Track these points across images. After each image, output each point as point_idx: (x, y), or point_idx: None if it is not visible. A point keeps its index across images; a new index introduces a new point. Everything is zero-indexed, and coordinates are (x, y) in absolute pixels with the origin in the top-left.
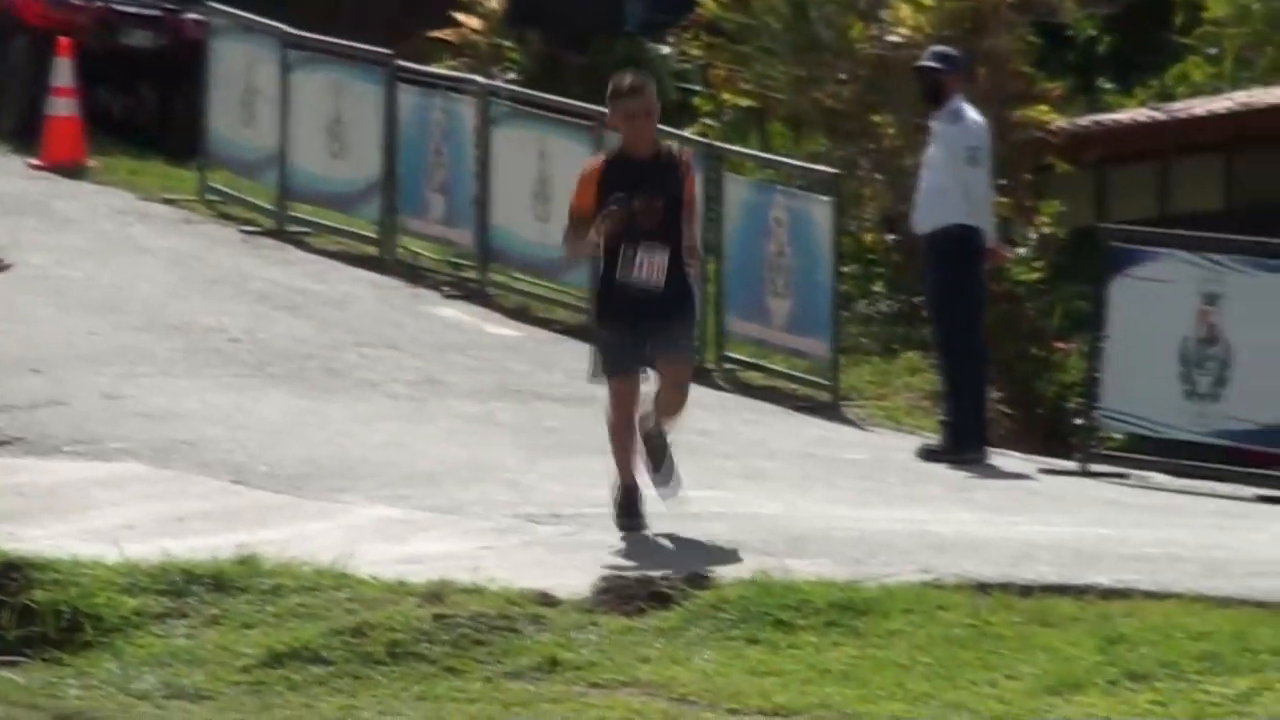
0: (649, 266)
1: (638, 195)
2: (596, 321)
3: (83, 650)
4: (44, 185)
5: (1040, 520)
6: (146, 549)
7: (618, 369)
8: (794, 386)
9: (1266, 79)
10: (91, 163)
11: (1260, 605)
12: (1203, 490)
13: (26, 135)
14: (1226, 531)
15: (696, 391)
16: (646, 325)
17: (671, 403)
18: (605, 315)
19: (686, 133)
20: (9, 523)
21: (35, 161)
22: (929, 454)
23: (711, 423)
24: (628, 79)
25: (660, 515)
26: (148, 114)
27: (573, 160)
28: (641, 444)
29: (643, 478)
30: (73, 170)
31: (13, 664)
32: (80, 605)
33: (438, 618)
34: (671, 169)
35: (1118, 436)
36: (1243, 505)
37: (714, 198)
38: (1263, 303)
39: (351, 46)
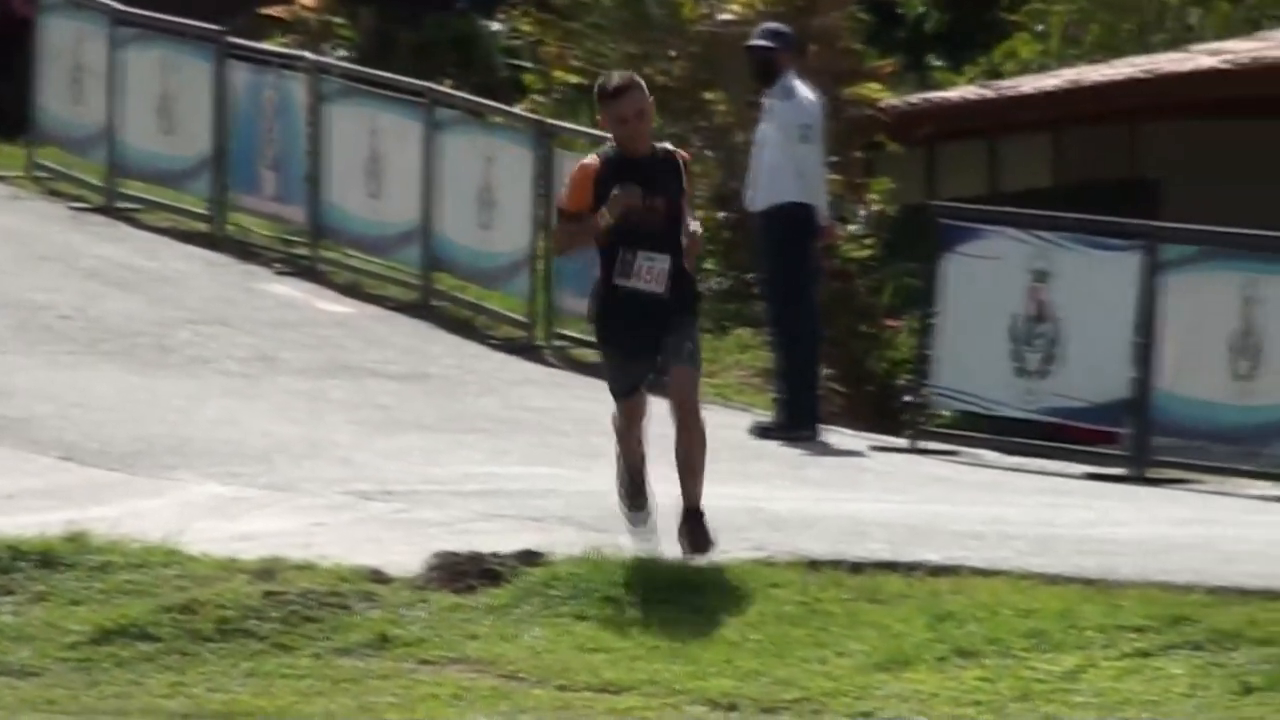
0: (649, 272)
1: (639, 194)
2: (597, 335)
3: None
4: None
5: (872, 497)
6: None
7: (625, 387)
8: None
9: (1093, 56)
10: None
11: (1087, 583)
12: (1032, 468)
13: None
14: (1055, 509)
15: (528, 368)
16: (650, 333)
17: (683, 396)
18: (605, 328)
19: (517, 109)
20: None
21: None
22: (762, 431)
23: (544, 400)
24: (614, 79)
25: (492, 492)
26: None
27: (405, 136)
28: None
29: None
30: None
31: None
32: None
33: (268, 595)
34: (671, 168)
35: (948, 414)
36: (1072, 483)
37: (544, 175)
38: (1091, 280)
39: (182, 23)
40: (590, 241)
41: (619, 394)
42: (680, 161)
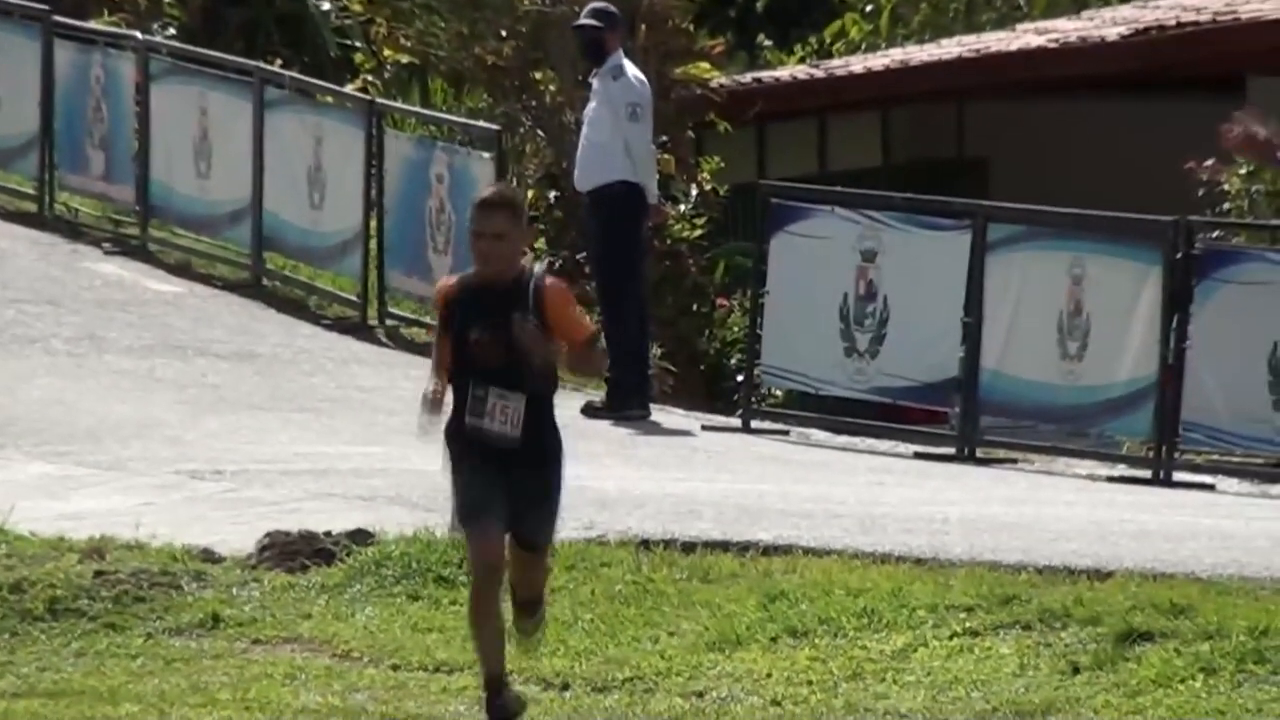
0: (500, 411)
1: (479, 328)
2: (450, 460)
3: None
4: None
5: (703, 477)
6: None
7: (475, 513)
8: None
9: (921, 35)
10: None
11: (917, 562)
12: (862, 447)
13: None
14: (885, 488)
15: (359, 347)
16: (502, 485)
17: (525, 584)
18: (457, 455)
19: (348, 89)
20: None
21: None
22: (591, 411)
23: (375, 379)
24: (486, 191)
25: (322, 471)
26: None
27: (234, 115)
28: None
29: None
30: None
31: None
32: None
33: (98, 574)
34: (525, 295)
35: (779, 393)
36: (901, 462)
37: (374, 155)
38: (920, 260)
39: (7, 2)
40: (437, 416)
41: (466, 519)
42: (538, 287)
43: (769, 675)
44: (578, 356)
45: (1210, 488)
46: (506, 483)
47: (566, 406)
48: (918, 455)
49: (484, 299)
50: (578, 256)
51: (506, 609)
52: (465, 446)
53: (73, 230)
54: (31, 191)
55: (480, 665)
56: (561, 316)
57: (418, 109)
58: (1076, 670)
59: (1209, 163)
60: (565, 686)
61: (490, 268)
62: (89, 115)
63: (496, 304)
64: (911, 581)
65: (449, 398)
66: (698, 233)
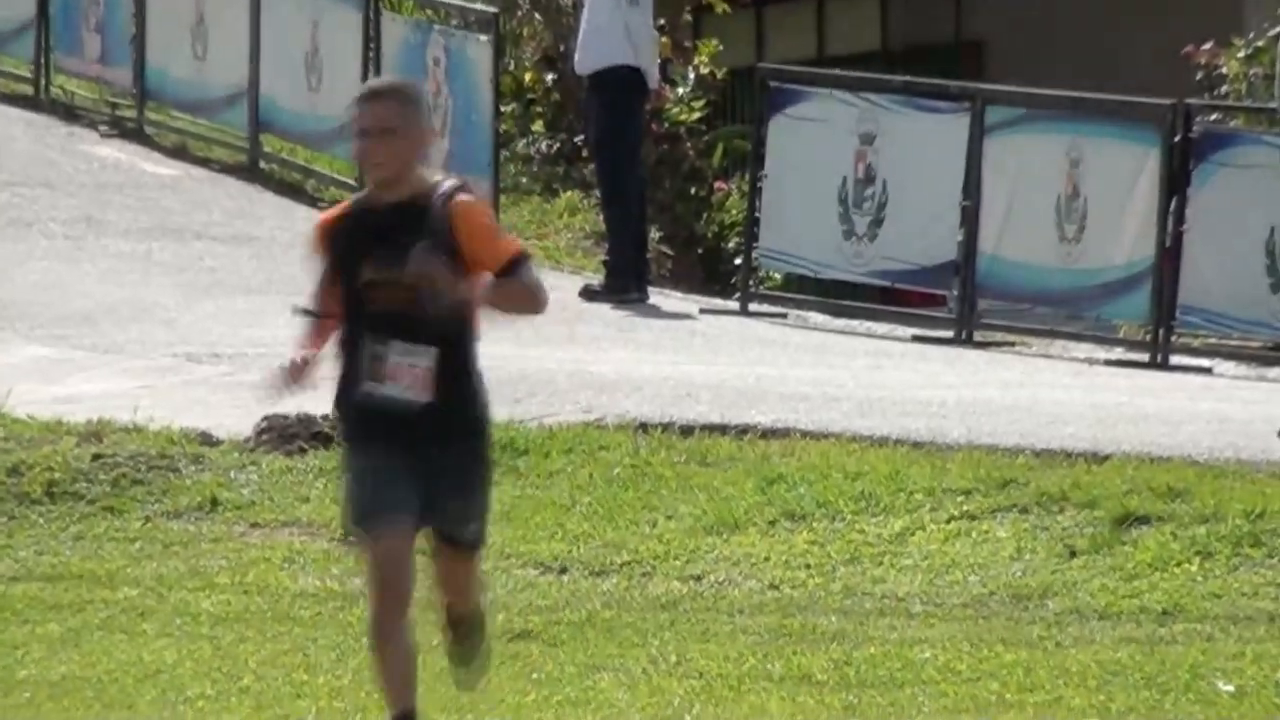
0: (404, 372)
1: (373, 259)
2: (342, 443)
3: None
4: None
5: (701, 360)
6: None
7: (374, 510)
8: None
9: None
10: None
11: (915, 446)
12: (860, 331)
13: None
14: (883, 371)
15: None
16: (413, 458)
17: (451, 586)
18: (350, 435)
19: None
20: None
21: None
22: (590, 294)
23: None
24: (372, 81)
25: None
26: None
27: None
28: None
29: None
30: None
31: None
32: None
33: (96, 457)
34: (430, 215)
35: (777, 276)
36: (899, 345)
37: (372, 37)
38: (917, 143)
39: None
40: (302, 381)
41: (360, 521)
42: (445, 203)
43: (767, 559)
44: (504, 287)
45: (1207, 371)
46: (416, 466)
47: (565, 289)
48: (916, 339)
49: (377, 225)
50: (576, 139)
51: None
52: (360, 422)
53: (69, 113)
54: (27, 74)
55: (386, 702)
56: (479, 240)
57: None
58: (1073, 554)
59: (1207, 46)
60: (563, 570)
61: (379, 173)
62: None
63: (394, 231)
64: (909, 465)
65: (333, 361)
66: (696, 116)
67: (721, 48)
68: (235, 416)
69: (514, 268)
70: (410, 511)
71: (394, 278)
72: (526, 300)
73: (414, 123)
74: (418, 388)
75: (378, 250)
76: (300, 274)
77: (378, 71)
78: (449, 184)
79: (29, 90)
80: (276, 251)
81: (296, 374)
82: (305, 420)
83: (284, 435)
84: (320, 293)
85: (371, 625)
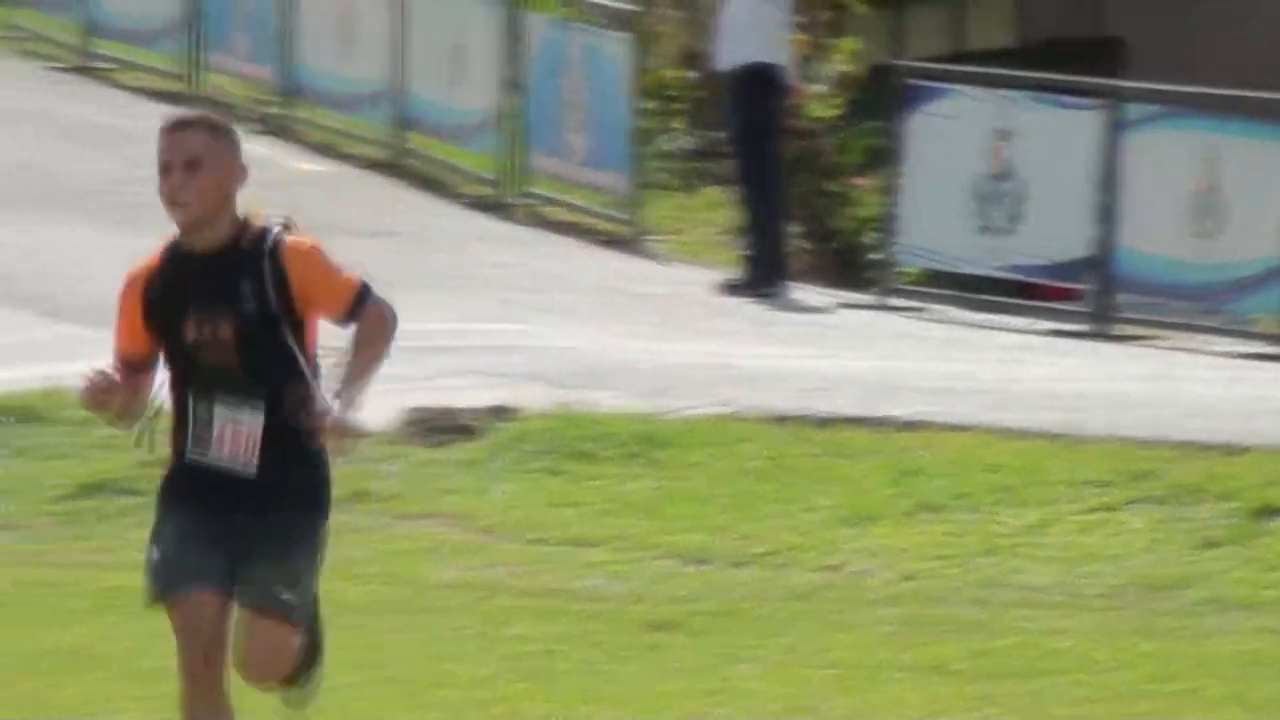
0: (231, 437)
1: (195, 316)
2: (157, 506)
3: None
4: None
5: (838, 353)
6: None
7: (176, 580)
8: (594, 221)
9: None
10: None
11: (1052, 438)
12: (996, 324)
13: None
14: (1019, 365)
15: (496, 225)
16: (231, 526)
17: (256, 664)
18: (168, 499)
19: None
20: None
21: None
22: (729, 288)
23: (512, 256)
24: (178, 110)
25: (461, 348)
26: None
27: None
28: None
29: None
30: None
31: None
32: None
33: None
34: (252, 262)
35: (914, 271)
36: (1036, 339)
37: (516, 36)
38: (1054, 139)
39: None
40: (127, 427)
41: (164, 590)
42: (275, 249)
43: (903, 550)
44: (360, 365)
45: None
46: (225, 530)
47: (702, 283)
48: (1052, 332)
49: (195, 276)
50: (715, 135)
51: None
52: (182, 492)
53: (217, 109)
54: (178, 71)
55: None
56: (318, 283)
57: None
58: (1209, 545)
59: None
60: (703, 561)
61: (185, 213)
62: None
63: (213, 281)
64: (1046, 457)
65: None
66: (833, 113)
67: (859, 46)
68: (380, 409)
69: (361, 302)
70: (214, 575)
71: (219, 333)
72: (383, 341)
73: (225, 156)
74: (244, 454)
75: (198, 304)
76: (442, 268)
77: (519, 69)
78: (274, 223)
79: (180, 87)
80: (419, 245)
81: (93, 392)
82: (447, 413)
83: (429, 428)
84: (119, 348)
85: (182, 689)
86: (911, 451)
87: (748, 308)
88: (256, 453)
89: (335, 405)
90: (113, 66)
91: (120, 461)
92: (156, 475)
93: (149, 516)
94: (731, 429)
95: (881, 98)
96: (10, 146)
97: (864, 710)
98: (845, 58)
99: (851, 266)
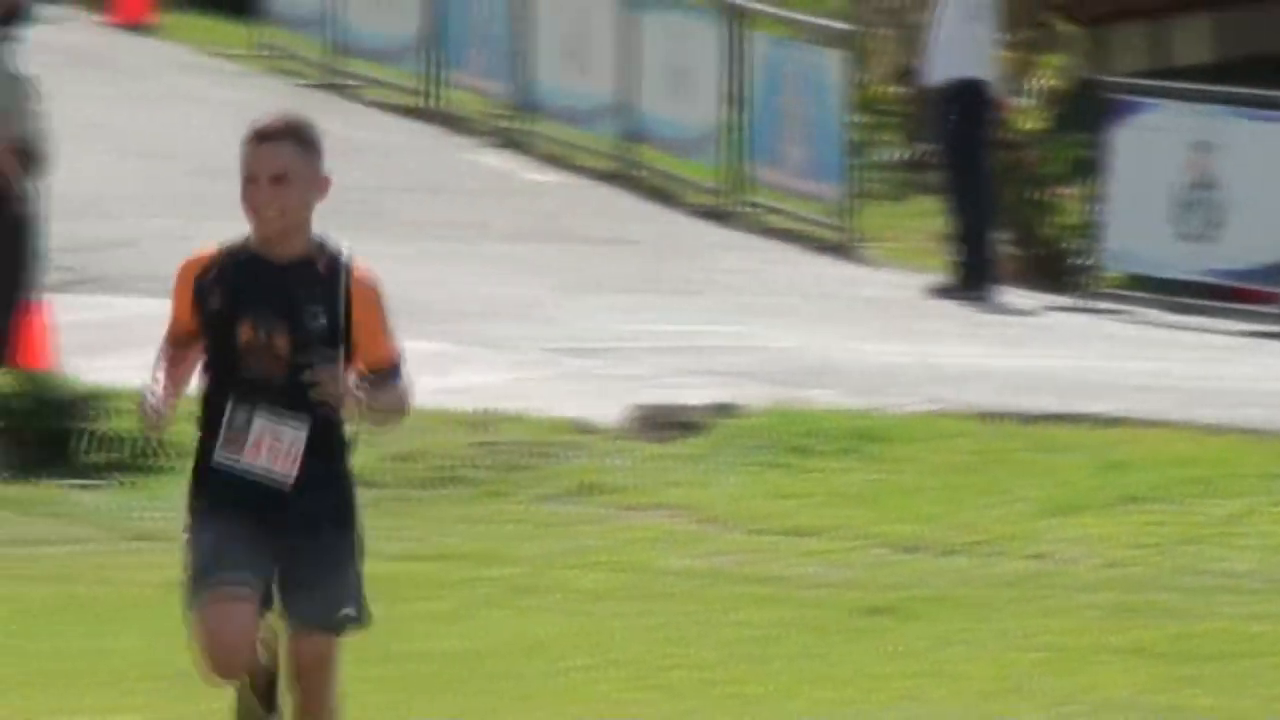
0: (270, 447)
1: (252, 321)
2: (189, 511)
3: (156, 474)
4: (111, 40)
5: (1042, 353)
6: None
7: (215, 578)
8: (811, 228)
9: None
10: (156, 19)
11: (1248, 433)
12: (1196, 325)
13: None
14: (1219, 364)
15: (718, 233)
16: (271, 538)
17: (312, 676)
18: (200, 508)
19: None
20: (86, 356)
21: (104, 18)
22: (939, 291)
23: (735, 262)
24: (266, 118)
25: (686, 348)
26: None
27: (603, 15)
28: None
29: None
30: (139, 26)
31: (94, 488)
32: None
33: (480, 444)
34: (324, 283)
35: (1116, 275)
36: (1235, 340)
37: (736, 55)
38: (1252, 150)
39: None
40: (159, 423)
41: (199, 591)
42: (347, 276)
43: (1107, 539)
44: (383, 398)
45: None
46: (264, 541)
47: (912, 287)
48: (1252, 334)
49: (260, 280)
50: (925, 147)
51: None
52: (214, 496)
53: (455, 124)
54: (417, 87)
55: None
56: (371, 334)
57: (776, 10)
58: None
59: None
60: (914, 549)
61: (270, 227)
62: (472, 15)
63: (281, 293)
64: (1243, 451)
65: (188, 417)
66: (1039, 125)
67: (1064, 62)
68: (608, 406)
69: (392, 375)
70: (256, 588)
71: (277, 341)
72: (397, 413)
73: (311, 169)
74: (282, 466)
75: (259, 312)
76: (668, 274)
77: (740, 84)
78: (343, 249)
79: (419, 102)
80: (646, 252)
81: (158, 416)
82: (673, 410)
83: (655, 423)
84: (170, 333)
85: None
86: (1114, 446)
87: (957, 310)
88: (296, 465)
89: (354, 385)
90: (358, 83)
91: (362, 456)
92: (401, 470)
93: (393, 507)
94: (941, 425)
95: (1085, 111)
96: None
97: (1072, 691)
98: (1051, 73)
99: (1056, 271)
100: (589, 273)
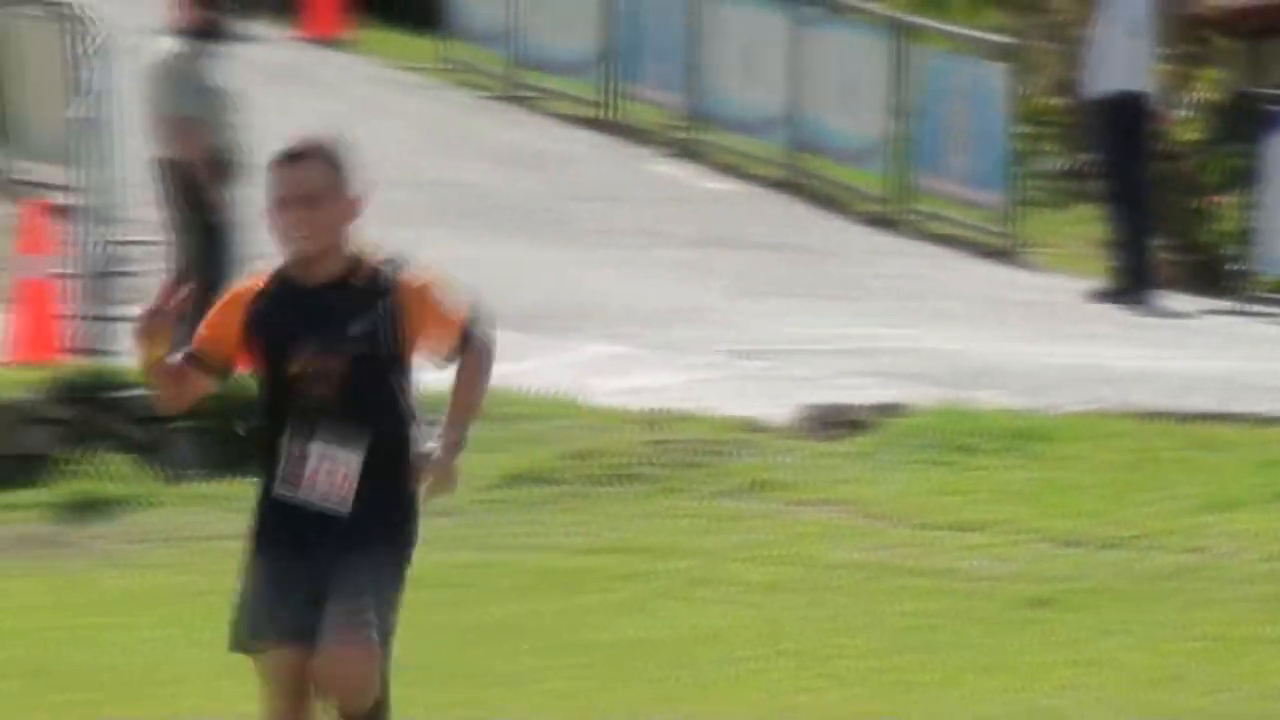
0: (327, 472)
1: (301, 353)
2: (248, 547)
3: None
4: (305, 54)
5: (1200, 355)
6: None
7: (260, 632)
8: (974, 235)
9: None
10: (345, 34)
11: None
12: None
13: (282, 7)
14: None
15: (885, 239)
16: (317, 565)
17: (344, 693)
18: (256, 541)
19: (871, 6)
20: None
21: (295, 33)
22: (1099, 296)
23: (901, 267)
24: (290, 141)
25: (853, 350)
26: None
27: (773, 31)
28: None
29: None
30: (331, 41)
31: None
32: None
33: (655, 443)
34: (366, 299)
35: (1272, 279)
36: None
37: (903, 68)
38: None
39: None
40: (177, 398)
41: (249, 639)
42: (395, 289)
43: (1264, 534)
44: (460, 430)
45: None
46: (311, 570)
47: (1073, 291)
48: None
49: (307, 308)
50: (1085, 156)
51: None
52: (269, 534)
53: (632, 134)
54: (595, 99)
55: None
56: (431, 322)
57: (941, 25)
58: None
59: None
60: (1076, 544)
61: (303, 249)
62: (649, 28)
63: (327, 314)
64: None
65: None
66: (1196, 136)
67: (1220, 75)
68: (777, 406)
69: (466, 342)
70: (299, 635)
71: (328, 368)
72: (482, 380)
73: (340, 188)
74: (339, 492)
75: (308, 337)
76: (836, 279)
77: (906, 96)
78: (390, 258)
79: (597, 113)
80: (815, 258)
81: (148, 325)
82: (840, 409)
83: (822, 422)
84: (196, 341)
85: None
86: (1272, 444)
87: (1116, 313)
88: (353, 490)
89: (437, 448)
90: (537, 95)
91: (543, 454)
92: (580, 467)
93: (572, 503)
94: (1102, 424)
95: (1242, 122)
96: (446, 168)
97: (1230, 679)
98: (1208, 86)
99: (1213, 277)
100: (760, 278)
